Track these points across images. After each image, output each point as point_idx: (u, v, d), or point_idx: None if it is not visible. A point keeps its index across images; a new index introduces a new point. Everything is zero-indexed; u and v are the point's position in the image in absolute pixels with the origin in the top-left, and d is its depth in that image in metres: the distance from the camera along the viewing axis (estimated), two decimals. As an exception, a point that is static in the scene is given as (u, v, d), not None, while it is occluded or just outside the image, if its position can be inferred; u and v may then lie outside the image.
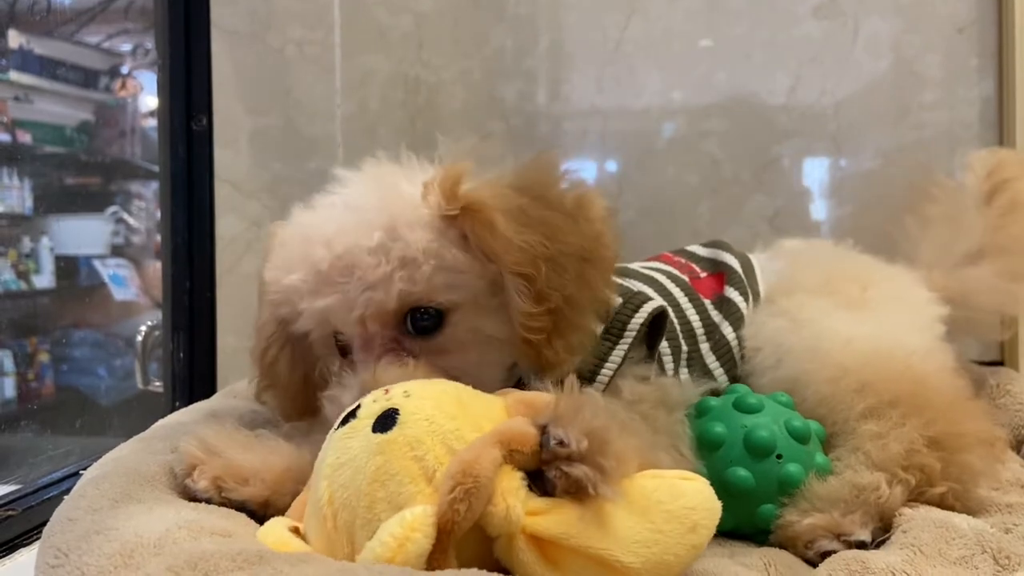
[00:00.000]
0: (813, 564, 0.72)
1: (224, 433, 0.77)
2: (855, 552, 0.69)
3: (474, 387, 0.68)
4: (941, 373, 0.90)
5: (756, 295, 1.01)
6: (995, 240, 1.13)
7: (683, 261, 1.04)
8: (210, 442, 0.73)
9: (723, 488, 0.76)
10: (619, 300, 0.83)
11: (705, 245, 1.08)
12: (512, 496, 0.56)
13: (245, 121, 1.50)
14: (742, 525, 0.79)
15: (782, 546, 0.76)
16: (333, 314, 0.74)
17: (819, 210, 1.46)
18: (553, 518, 0.57)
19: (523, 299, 0.71)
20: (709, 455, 0.79)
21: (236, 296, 1.49)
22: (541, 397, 0.66)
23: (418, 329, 0.74)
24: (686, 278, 1.00)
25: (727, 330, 0.96)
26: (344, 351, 0.78)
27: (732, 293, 0.99)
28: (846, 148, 1.43)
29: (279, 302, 0.78)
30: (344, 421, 0.63)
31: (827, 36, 1.40)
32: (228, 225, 1.50)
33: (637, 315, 0.82)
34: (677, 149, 1.44)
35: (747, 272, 1.03)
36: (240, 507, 0.70)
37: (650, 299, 0.86)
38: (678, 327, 0.92)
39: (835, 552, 0.71)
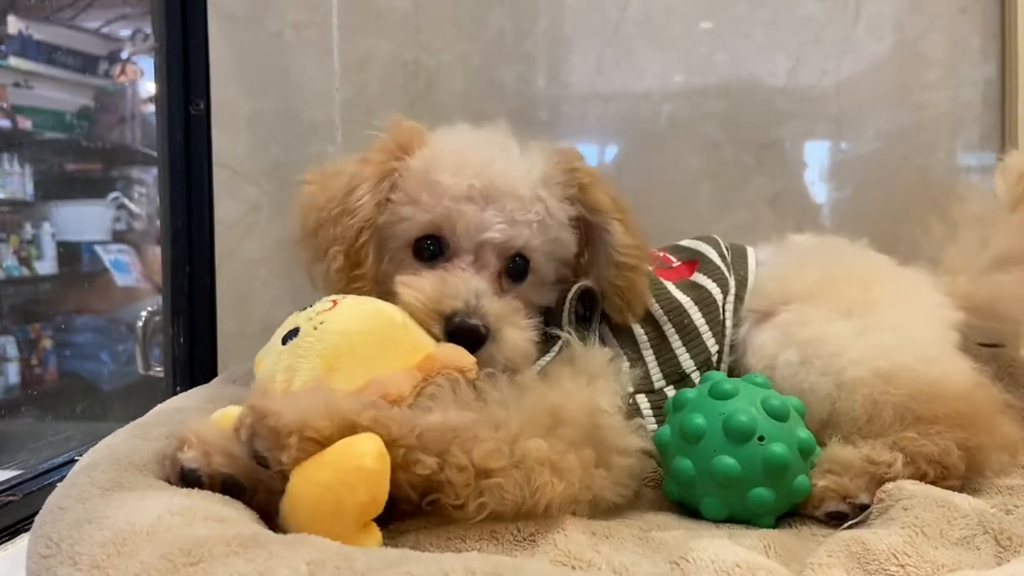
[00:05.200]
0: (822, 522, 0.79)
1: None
2: (855, 532, 0.68)
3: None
4: (974, 386, 0.88)
5: (742, 282, 1.03)
6: None
7: (660, 254, 1.08)
8: (203, 428, 0.73)
9: (711, 478, 0.78)
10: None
11: (695, 238, 1.10)
12: None
13: (243, 105, 1.49)
14: (736, 512, 0.79)
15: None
16: (468, 225, 0.88)
17: (819, 193, 1.45)
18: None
19: (624, 234, 0.92)
20: (692, 447, 0.79)
21: (236, 281, 1.49)
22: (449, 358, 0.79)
23: (511, 274, 0.91)
24: (650, 268, 1.02)
25: (695, 315, 0.99)
26: (431, 256, 0.90)
27: (703, 279, 1.02)
28: (847, 130, 1.42)
29: (402, 188, 0.90)
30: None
31: (828, 16, 1.39)
32: (227, 209, 1.49)
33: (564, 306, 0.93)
34: (677, 132, 1.44)
35: (735, 261, 1.05)
36: (230, 484, 0.69)
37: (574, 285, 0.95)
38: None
39: (840, 512, 0.78)
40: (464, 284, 0.85)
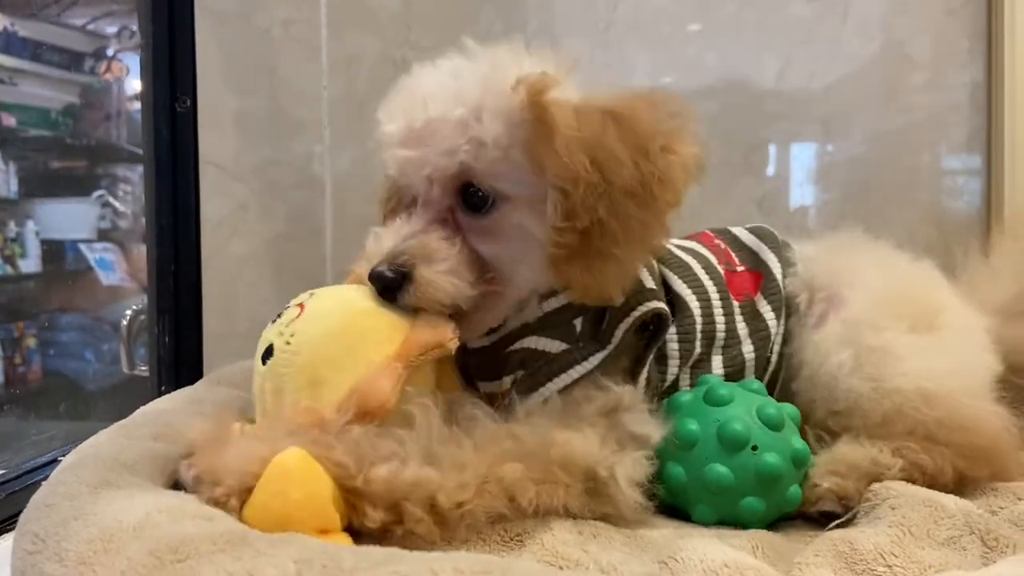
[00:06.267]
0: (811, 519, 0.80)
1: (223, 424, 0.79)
2: (842, 532, 0.69)
3: (505, 283, 0.81)
4: (1001, 430, 0.87)
5: (787, 301, 0.94)
6: None
7: (723, 247, 0.97)
8: (209, 437, 0.74)
9: (703, 486, 0.77)
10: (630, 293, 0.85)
11: (750, 230, 0.99)
12: None
13: (230, 103, 1.48)
14: (726, 519, 0.78)
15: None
16: (411, 167, 0.81)
17: (807, 194, 1.46)
18: None
19: (555, 212, 0.76)
20: (685, 453, 0.79)
21: (222, 280, 1.49)
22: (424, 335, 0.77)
23: (470, 205, 0.81)
24: (722, 271, 0.93)
25: (747, 348, 0.91)
26: (397, 207, 0.86)
27: (764, 307, 0.93)
28: (835, 132, 1.42)
29: (383, 147, 0.84)
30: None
31: (817, 18, 1.40)
32: (214, 208, 1.48)
33: (624, 321, 0.84)
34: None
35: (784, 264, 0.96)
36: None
37: (647, 301, 0.84)
38: (699, 327, 0.88)
39: (834, 513, 0.78)
40: (395, 231, 0.80)
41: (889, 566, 0.64)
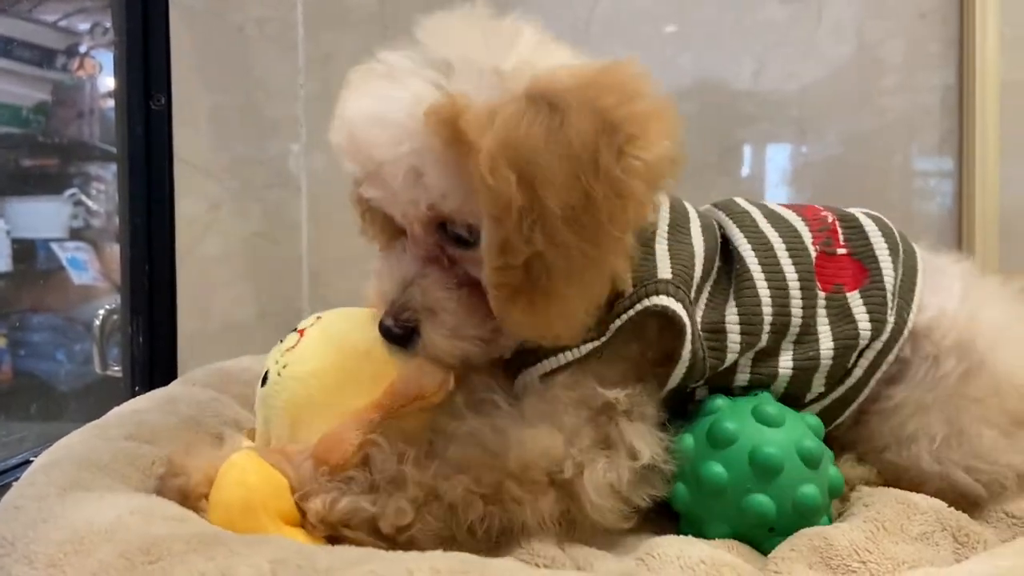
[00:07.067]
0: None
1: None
2: (819, 528, 0.69)
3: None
4: None
5: (898, 328, 0.79)
6: None
7: (829, 220, 0.82)
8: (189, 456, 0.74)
9: (738, 513, 0.71)
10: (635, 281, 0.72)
11: (874, 220, 0.83)
12: None
13: (205, 100, 1.47)
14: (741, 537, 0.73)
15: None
16: (383, 203, 0.72)
17: (781, 195, 1.46)
18: None
19: (487, 247, 0.64)
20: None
21: (197, 279, 1.47)
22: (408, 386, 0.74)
23: (454, 240, 0.71)
24: (815, 252, 0.79)
25: (825, 346, 0.77)
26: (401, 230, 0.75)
27: (859, 309, 0.78)
28: (809, 133, 1.43)
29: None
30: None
31: (792, 21, 1.41)
32: (188, 206, 1.47)
33: (620, 317, 0.72)
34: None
35: (902, 286, 0.81)
36: None
37: (652, 295, 0.71)
38: (769, 317, 0.76)
39: None
40: (390, 275, 0.72)
41: (864, 562, 0.64)
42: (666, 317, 0.71)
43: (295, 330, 0.80)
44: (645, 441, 0.70)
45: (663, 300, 0.71)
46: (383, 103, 0.67)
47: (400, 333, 0.70)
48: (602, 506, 0.68)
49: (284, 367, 0.76)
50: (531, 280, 0.64)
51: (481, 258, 0.67)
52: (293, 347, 0.77)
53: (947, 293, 0.82)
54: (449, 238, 0.71)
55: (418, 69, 0.69)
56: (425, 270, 0.72)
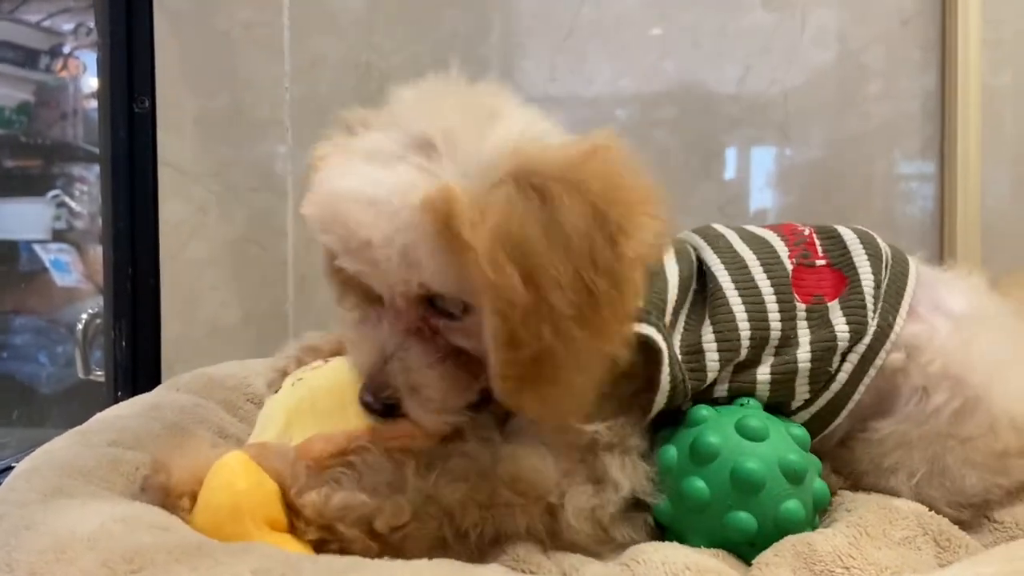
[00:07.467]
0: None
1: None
2: (802, 534, 0.69)
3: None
4: None
5: (883, 332, 0.78)
6: None
7: (806, 232, 0.83)
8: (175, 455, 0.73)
9: (721, 526, 0.71)
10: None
11: (857, 235, 0.84)
12: None
13: (190, 103, 1.46)
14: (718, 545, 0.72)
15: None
16: (366, 279, 0.70)
17: (766, 199, 1.47)
18: None
19: (493, 340, 0.63)
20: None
21: (181, 283, 1.46)
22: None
23: (441, 312, 0.70)
24: (791, 266, 0.80)
25: (802, 353, 0.77)
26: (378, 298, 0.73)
27: (837, 316, 0.78)
28: (793, 138, 1.44)
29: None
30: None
31: (776, 26, 1.42)
32: (172, 210, 1.46)
33: None
34: (627, 137, 1.43)
35: (888, 293, 0.80)
36: None
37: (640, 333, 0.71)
38: (746, 333, 0.76)
39: None
40: (369, 349, 0.70)
41: (847, 567, 0.65)
42: (645, 345, 0.71)
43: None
44: (625, 473, 0.71)
45: (642, 328, 0.71)
46: (371, 186, 0.66)
47: (380, 409, 0.69)
48: (580, 530, 0.69)
49: (300, 379, 0.79)
50: (538, 369, 0.63)
51: (469, 329, 0.68)
52: (318, 366, 0.82)
53: (944, 310, 0.81)
54: (436, 311, 0.70)
55: (401, 152, 0.67)
56: (406, 343, 0.70)
